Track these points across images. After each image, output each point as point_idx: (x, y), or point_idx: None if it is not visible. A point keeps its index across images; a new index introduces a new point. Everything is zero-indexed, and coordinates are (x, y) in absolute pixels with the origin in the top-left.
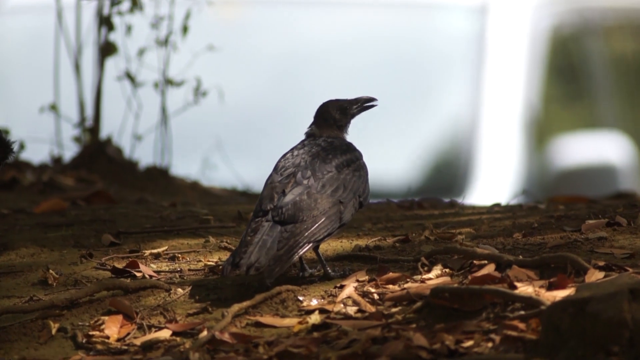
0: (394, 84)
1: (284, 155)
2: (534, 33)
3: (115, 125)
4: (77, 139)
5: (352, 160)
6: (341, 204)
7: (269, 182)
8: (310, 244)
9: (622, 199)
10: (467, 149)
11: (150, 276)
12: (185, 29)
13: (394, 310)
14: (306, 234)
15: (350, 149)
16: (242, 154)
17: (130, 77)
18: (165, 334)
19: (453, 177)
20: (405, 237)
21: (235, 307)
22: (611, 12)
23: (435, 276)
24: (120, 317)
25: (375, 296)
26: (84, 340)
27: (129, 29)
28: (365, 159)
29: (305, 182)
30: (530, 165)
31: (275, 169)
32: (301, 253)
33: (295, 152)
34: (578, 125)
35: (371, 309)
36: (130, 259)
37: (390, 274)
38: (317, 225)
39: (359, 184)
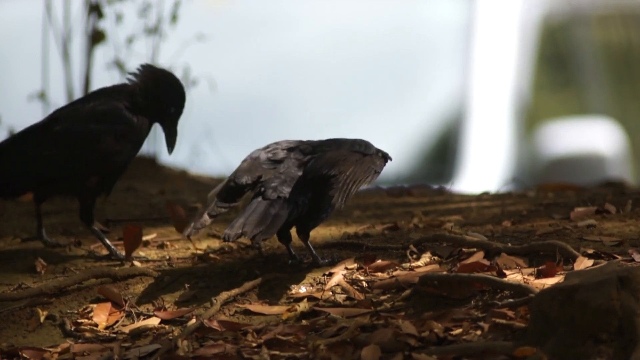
0: (384, 72)
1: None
2: (523, 21)
3: None
4: None
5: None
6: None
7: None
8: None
9: (611, 187)
10: (456, 137)
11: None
12: (174, 18)
13: (382, 298)
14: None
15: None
16: (231, 142)
17: (119, 65)
18: (153, 321)
19: (442, 165)
20: (394, 224)
21: (224, 295)
22: (600, 1)
23: (424, 264)
24: (108, 305)
25: (364, 284)
26: (73, 328)
27: (119, 17)
28: None
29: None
30: (520, 153)
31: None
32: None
33: (285, 144)
34: (567, 113)
35: (360, 296)
36: (118, 247)
37: (379, 262)
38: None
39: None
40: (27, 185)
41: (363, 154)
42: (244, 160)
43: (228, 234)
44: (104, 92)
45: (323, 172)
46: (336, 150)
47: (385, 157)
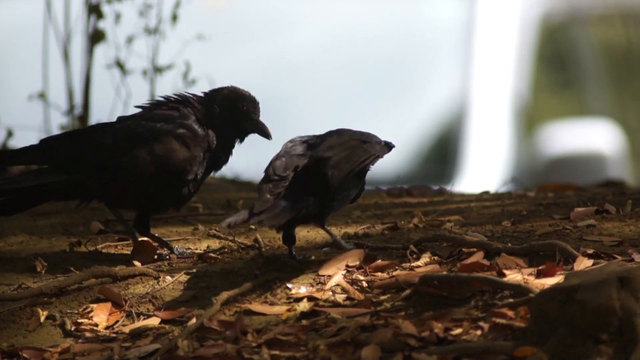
0: (384, 73)
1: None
2: (523, 21)
3: (104, 113)
4: (63, 128)
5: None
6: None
7: (281, 154)
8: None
9: (610, 187)
10: (456, 137)
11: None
12: (174, 18)
13: (382, 298)
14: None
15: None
16: None
17: (119, 64)
18: (153, 321)
19: (442, 165)
20: (394, 224)
21: (224, 295)
22: (600, 1)
23: (424, 264)
24: (109, 305)
25: (364, 284)
26: (73, 328)
27: (118, 17)
28: None
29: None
30: (520, 153)
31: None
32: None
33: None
34: (567, 113)
35: (360, 296)
36: (119, 247)
37: (379, 262)
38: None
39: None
40: (82, 174)
41: (362, 142)
42: (277, 159)
43: (233, 221)
44: (182, 101)
45: (319, 155)
46: (337, 137)
47: (388, 144)
